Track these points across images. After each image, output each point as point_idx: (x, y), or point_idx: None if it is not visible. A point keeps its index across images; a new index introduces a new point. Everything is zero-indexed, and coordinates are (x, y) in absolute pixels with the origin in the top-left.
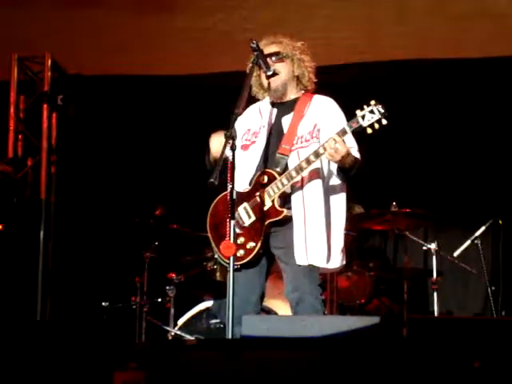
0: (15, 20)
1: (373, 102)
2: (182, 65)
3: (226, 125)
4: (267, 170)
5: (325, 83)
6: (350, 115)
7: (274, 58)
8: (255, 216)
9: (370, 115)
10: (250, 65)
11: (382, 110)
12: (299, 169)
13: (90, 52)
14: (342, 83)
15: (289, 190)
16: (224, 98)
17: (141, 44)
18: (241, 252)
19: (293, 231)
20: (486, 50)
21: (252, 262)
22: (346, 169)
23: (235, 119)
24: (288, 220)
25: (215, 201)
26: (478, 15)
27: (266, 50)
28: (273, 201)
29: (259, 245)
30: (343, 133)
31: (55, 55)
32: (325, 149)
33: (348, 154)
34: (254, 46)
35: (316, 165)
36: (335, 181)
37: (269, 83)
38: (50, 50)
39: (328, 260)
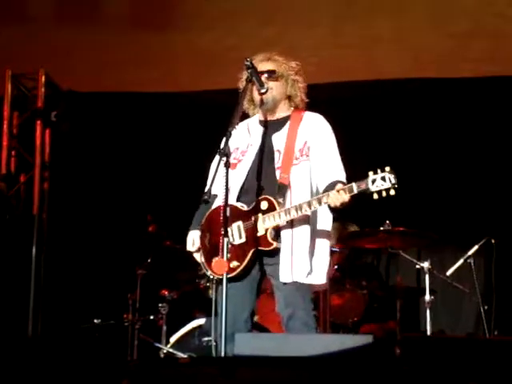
0: (9, 37)
1: (387, 169)
2: (177, 82)
3: (220, 141)
4: (270, 197)
5: (320, 100)
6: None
7: (268, 76)
8: (246, 238)
9: (381, 182)
10: (244, 83)
11: (394, 181)
12: (299, 209)
13: (84, 69)
14: (337, 100)
15: (283, 224)
16: (217, 114)
17: (135, 61)
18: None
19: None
20: (482, 69)
21: (238, 278)
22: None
23: (229, 136)
24: (277, 251)
25: (204, 218)
26: (474, 34)
27: (261, 67)
28: (266, 230)
29: (242, 266)
30: (350, 191)
31: (49, 72)
32: (327, 198)
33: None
34: (248, 63)
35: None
36: None
37: (261, 98)
38: (43, 67)
39: (312, 275)
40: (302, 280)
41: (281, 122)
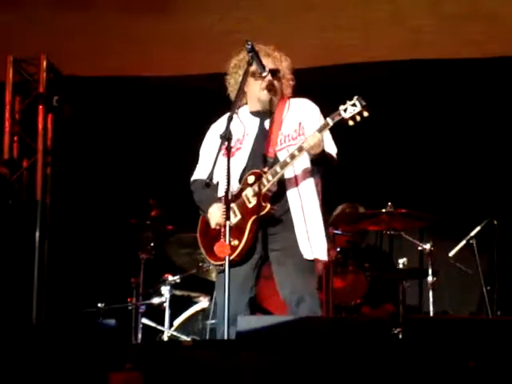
0: (10, 22)
1: (355, 97)
2: (177, 65)
3: (222, 126)
4: (254, 170)
5: (319, 84)
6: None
7: (272, 75)
8: (241, 215)
9: (352, 108)
10: (246, 66)
11: (364, 103)
12: (284, 164)
13: (85, 53)
14: (334, 84)
15: (275, 188)
16: (217, 98)
17: (135, 45)
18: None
19: (291, 234)
20: (479, 50)
21: (238, 262)
22: (319, 162)
23: (231, 120)
24: (280, 219)
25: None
26: (471, 16)
27: (269, 65)
28: (258, 197)
29: (242, 244)
30: (326, 125)
31: (50, 57)
32: (307, 143)
33: (323, 150)
34: (249, 47)
35: (300, 160)
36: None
37: (258, 97)
38: (45, 52)
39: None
40: (321, 257)
41: (269, 110)
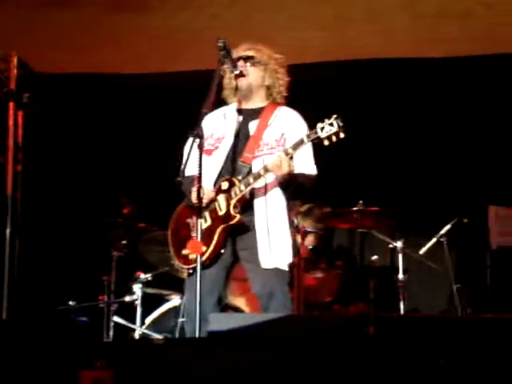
0: None
1: (334, 116)
2: (151, 63)
3: (194, 123)
4: (228, 177)
5: (293, 82)
6: (313, 122)
7: (247, 63)
8: (211, 220)
9: (329, 127)
10: (218, 64)
11: (341, 124)
12: (257, 176)
13: (56, 50)
14: (309, 82)
15: (247, 196)
16: (192, 96)
17: (109, 42)
18: (193, 256)
19: (256, 235)
20: (452, 49)
21: (207, 265)
22: (284, 185)
23: (203, 118)
24: (249, 228)
25: (178, 207)
26: (444, 14)
27: (243, 53)
28: (228, 206)
29: (210, 249)
30: (301, 142)
31: (21, 54)
32: (270, 163)
33: (289, 174)
34: (221, 44)
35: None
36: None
37: (236, 84)
38: (16, 49)
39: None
40: (282, 266)
41: (257, 112)
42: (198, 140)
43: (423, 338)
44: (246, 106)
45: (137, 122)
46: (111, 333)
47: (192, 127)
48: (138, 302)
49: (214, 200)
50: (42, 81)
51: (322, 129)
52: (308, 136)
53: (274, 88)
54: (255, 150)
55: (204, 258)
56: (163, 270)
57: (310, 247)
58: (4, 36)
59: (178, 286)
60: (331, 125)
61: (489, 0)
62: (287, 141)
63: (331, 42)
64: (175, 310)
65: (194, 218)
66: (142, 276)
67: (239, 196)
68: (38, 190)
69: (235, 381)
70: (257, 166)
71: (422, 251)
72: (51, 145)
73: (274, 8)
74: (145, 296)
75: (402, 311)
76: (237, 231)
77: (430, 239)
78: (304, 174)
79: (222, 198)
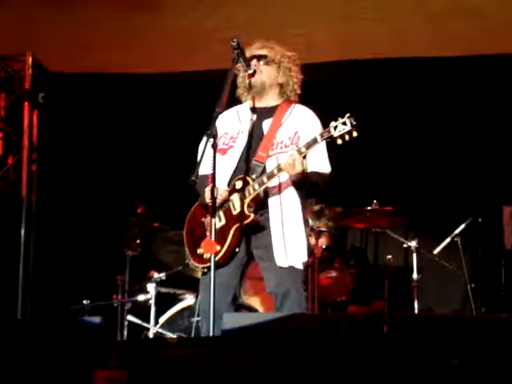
0: None
1: (347, 115)
2: (165, 62)
3: (207, 123)
4: (242, 176)
5: (306, 81)
6: (326, 120)
7: (261, 62)
8: (225, 220)
9: (342, 126)
10: (232, 63)
11: (354, 122)
12: (270, 175)
13: (70, 50)
14: (320, 82)
15: (261, 195)
16: (206, 95)
17: (123, 42)
18: (207, 255)
19: (271, 233)
20: (465, 48)
21: (222, 264)
22: (297, 184)
23: (216, 117)
24: (264, 226)
25: (193, 207)
26: (457, 12)
27: (256, 52)
28: (242, 206)
29: (224, 249)
30: (314, 142)
31: (36, 54)
32: (283, 162)
33: (302, 172)
34: (235, 44)
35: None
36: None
37: (249, 82)
38: (31, 49)
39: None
40: (297, 265)
41: (271, 110)
42: (211, 139)
43: (437, 338)
44: (260, 104)
45: (152, 121)
46: (125, 332)
47: (206, 127)
48: (152, 301)
49: (228, 199)
50: (56, 80)
51: (336, 127)
52: (321, 135)
53: (288, 86)
54: (269, 148)
55: (218, 257)
56: (177, 269)
57: (324, 247)
58: (18, 36)
59: (191, 285)
60: (344, 123)
61: None
62: (301, 139)
63: (341, 41)
64: (189, 310)
65: (209, 218)
66: (156, 275)
67: (253, 195)
68: (54, 190)
69: (248, 380)
70: (271, 165)
71: (436, 251)
72: (65, 145)
73: (285, 8)
74: (159, 295)
75: (416, 310)
76: (251, 230)
77: (445, 239)
78: (318, 173)
79: (236, 197)
